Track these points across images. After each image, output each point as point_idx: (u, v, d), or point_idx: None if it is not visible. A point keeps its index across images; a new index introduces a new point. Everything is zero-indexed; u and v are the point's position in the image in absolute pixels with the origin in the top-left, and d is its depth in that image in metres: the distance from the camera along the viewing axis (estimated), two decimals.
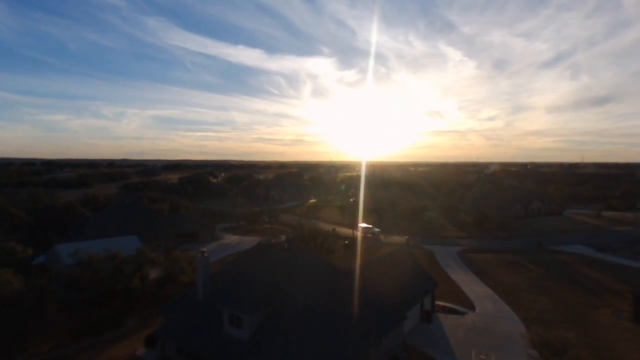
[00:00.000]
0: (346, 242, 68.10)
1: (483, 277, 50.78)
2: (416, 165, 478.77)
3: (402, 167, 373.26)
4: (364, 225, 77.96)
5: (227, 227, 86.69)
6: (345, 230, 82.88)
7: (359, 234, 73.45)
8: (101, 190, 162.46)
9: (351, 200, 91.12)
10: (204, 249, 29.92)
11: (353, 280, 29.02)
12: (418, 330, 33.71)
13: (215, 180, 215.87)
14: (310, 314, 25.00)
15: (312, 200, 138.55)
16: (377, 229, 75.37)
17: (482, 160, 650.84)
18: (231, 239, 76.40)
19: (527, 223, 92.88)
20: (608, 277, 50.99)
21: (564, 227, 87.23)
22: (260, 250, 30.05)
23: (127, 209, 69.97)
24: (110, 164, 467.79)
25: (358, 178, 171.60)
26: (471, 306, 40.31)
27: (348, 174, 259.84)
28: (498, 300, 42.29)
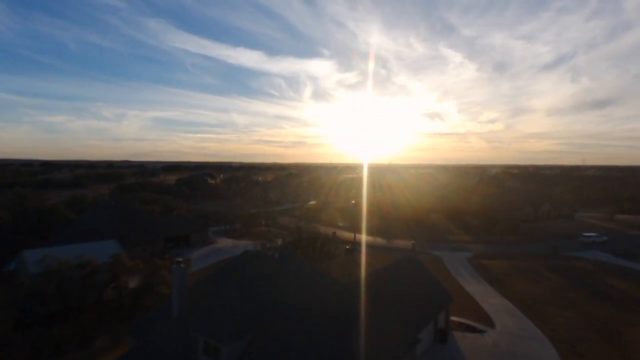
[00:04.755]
0: (347, 247, 63.44)
1: (498, 287, 46.05)
2: (417, 167, 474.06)
3: (403, 169, 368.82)
4: (589, 234, 71.97)
5: (222, 230, 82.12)
6: (346, 234, 78.15)
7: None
8: (96, 191, 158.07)
9: (352, 202, 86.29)
10: (180, 259, 25.36)
11: (356, 297, 24.36)
12: (432, 353, 29.00)
13: (213, 181, 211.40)
14: (303, 341, 20.33)
15: (312, 202, 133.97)
16: (605, 237, 70.75)
17: (482, 162, 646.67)
18: (225, 242, 71.77)
19: (538, 226, 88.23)
20: (635, 287, 46.32)
21: (576, 231, 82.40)
22: (246, 261, 25.40)
23: (113, 211, 65.29)
24: (110, 165, 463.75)
25: (359, 180, 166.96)
26: (490, 322, 35.59)
27: (349, 175, 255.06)
28: (519, 314, 37.56)
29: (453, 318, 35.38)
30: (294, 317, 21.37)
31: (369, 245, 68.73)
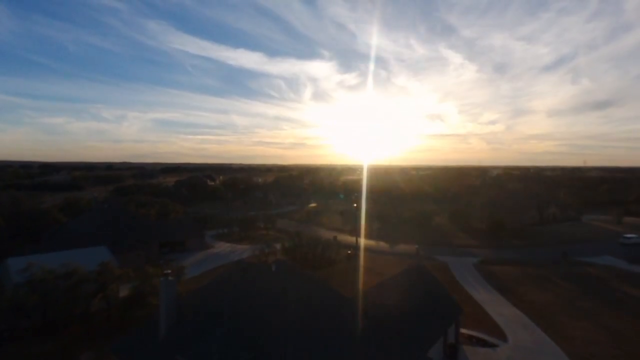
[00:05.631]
0: (349, 251, 61.31)
1: (508, 295, 43.83)
2: (417, 168, 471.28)
3: (404, 171, 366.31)
4: (630, 235, 70.67)
5: (219, 234, 79.97)
6: (347, 238, 75.97)
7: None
8: (94, 193, 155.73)
9: (354, 205, 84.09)
10: (169, 271, 23.23)
11: (360, 313, 22.20)
12: None
13: (212, 183, 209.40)
14: None
15: (312, 205, 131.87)
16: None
17: (483, 163, 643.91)
18: (222, 247, 69.61)
19: (544, 230, 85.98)
20: None
21: (585, 235, 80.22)
22: (240, 273, 23.24)
23: (106, 215, 63.15)
24: (109, 166, 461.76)
25: (359, 182, 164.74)
26: (502, 335, 33.39)
27: (349, 177, 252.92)
28: (532, 326, 35.35)
29: (463, 330, 33.20)
30: (292, 339, 19.22)
31: (372, 250, 66.65)
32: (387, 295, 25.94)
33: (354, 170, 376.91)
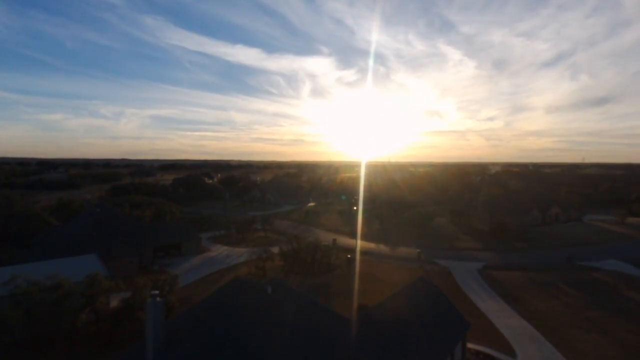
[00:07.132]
0: (349, 256, 59.72)
1: (514, 304, 42.24)
2: (416, 165, 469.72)
3: (402, 168, 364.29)
4: None
5: (216, 236, 78.25)
6: (346, 241, 74.36)
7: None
8: (90, 191, 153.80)
9: (354, 208, 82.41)
10: (156, 292, 21.46)
11: (363, 338, 20.55)
12: None
13: (210, 181, 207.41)
14: None
15: (311, 204, 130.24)
16: None
17: (482, 160, 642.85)
18: (219, 250, 67.84)
19: (547, 232, 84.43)
20: None
21: (588, 237, 78.67)
22: (233, 295, 21.54)
23: (99, 218, 61.22)
24: (107, 164, 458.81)
25: (357, 179, 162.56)
26: (510, 350, 31.84)
27: (347, 174, 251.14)
28: (541, 340, 33.77)
29: (469, 345, 31.62)
30: None
31: (372, 254, 65.02)
32: (391, 314, 24.27)
33: (352, 167, 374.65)
